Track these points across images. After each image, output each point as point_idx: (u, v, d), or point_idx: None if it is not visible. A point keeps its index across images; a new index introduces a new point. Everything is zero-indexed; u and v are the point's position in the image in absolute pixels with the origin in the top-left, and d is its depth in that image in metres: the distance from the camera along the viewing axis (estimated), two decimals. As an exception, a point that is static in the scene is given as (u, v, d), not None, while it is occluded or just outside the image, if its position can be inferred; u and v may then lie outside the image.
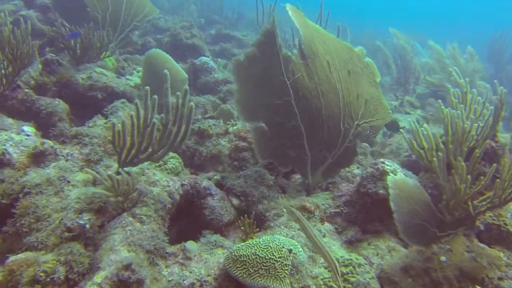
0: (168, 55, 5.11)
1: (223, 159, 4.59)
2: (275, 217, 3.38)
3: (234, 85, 3.52)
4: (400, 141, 6.11)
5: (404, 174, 3.57)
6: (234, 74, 3.51)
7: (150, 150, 3.08)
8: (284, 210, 3.41)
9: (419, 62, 9.88)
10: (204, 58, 7.13)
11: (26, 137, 3.52)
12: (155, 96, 2.96)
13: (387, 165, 3.46)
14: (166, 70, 2.86)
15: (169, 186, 3.28)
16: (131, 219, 2.84)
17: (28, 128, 3.72)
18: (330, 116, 3.54)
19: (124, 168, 3.13)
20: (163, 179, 3.33)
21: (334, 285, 2.78)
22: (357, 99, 3.55)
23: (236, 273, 2.56)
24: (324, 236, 3.26)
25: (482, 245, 3.15)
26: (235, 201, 3.55)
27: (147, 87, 2.90)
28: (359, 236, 3.42)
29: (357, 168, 4.43)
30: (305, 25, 3.39)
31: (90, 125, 3.85)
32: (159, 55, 5.10)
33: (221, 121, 5.24)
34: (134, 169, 3.22)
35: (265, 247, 2.65)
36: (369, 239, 3.40)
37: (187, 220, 3.52)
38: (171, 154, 3.99)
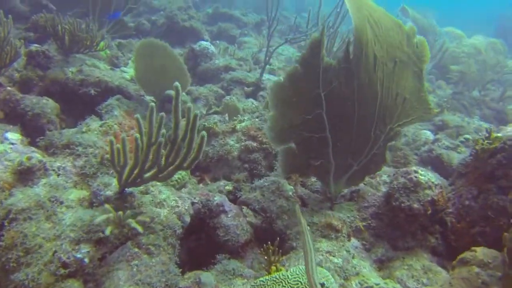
0: (166, 46, 4.61)
1: (232, 161, 4.19)
2: (298, 236, 3.01)
3: (270, 110, 3.06)
4: (416, 132, 5.72)
5: (437, 180, 3.20)
6: (271, 99, 3.04)
7: (155, 169, 2.67)
8: (308, 228, 3.03)
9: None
10: (203, 43, 6.62)
11: (11, 146, 3.09)
12: (163, 114, 2.54)
13: (421, 175, 3.08)
14: (176, 83, 2.42)
15: (178, 206, 2.88)
16: (136, 250, 2.45)
17: (13, 135, 3.28)
18: (361, 123, 3.12)
19: (126, 190, 2.72)
20: (171, 198, 2.92)
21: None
22: (395, 100, 3.12)
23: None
24: (353, 257, 2.89)
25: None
26: (252, 217, 3.16)
27: (152, 104, 2.48)
28: (390, 254, 3.06)
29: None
30: (359, 9, 2.91)
31: (83, 129, 3.40)
32: (155, 46, 4.60)
33: (227, 116, 4.82)
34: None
35: (295, 283, 2.27)
36: (401, 257, 3.04)
37: (198, 238, 3.14)
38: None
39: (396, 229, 3.14)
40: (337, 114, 3.04)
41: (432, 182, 3.09)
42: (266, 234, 3.11)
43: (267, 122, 3.06)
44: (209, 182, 4.03)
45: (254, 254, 3.02)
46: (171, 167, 2.69)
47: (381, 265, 3.02)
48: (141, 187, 2.93)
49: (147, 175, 2.71)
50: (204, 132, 2.56)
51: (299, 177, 3.42)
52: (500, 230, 2.95)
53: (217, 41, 8.30)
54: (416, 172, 3.12)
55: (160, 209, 2.82)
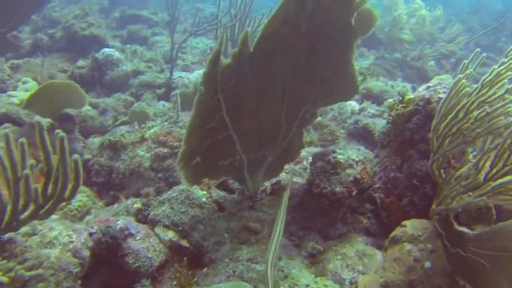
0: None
1: (145, 172, 3.82)
2: (216, 247, 2.69)
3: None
4: (341, 104, 5.53)
5: (358, 156, 2.97)
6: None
7: (32, 207, 2.25)
8: (226, 235, 2.72)
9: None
10: (107, 50, 6.11)
11: None
12: (23, 140, 2.12)
13: (340, 153, 2.83)
14: (37, 117, 2.00)
15: (72, 242, 2.47)
16: (18, 310, 2.04)
17: None
18: (267, 112, 2.81)
19: (2, 237, 2.29)
20: (64, 234, 2.50)
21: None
22: (309, 82, 2.82)
23: None
24: (280, 259, 2.61)
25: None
26: (164, 235, 2.81)
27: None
28: (322, 245, 2.81)
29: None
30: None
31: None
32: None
33: (136, 125, 4.42)
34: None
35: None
36: (334, 246, 2.80)
37: (110, 270, 2.76)
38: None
39: (324, 217, 2.89)
40: (238, 109, 2.71)
41: (353, 160, 2.85)
42: (185, 250, 2.79)
43: (177, 157, 2.67)
44: (123, 200, 3.67)
45: (173, 274, 2.67)
46: (50, 202, 2.29)
47: (313, 259, 2.76)
48: (27, 228, 2.50)
49: (24, 215, 2.29)
50: (76, 155, 2.17)
51: (210, 180, 3.09)
52: (427, 197, 2.77)
53: (127, 46, 7.80)
54: (333, 152, 2.87)
55: (50, 250, 2.40)
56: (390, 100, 5.11)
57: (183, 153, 2.62)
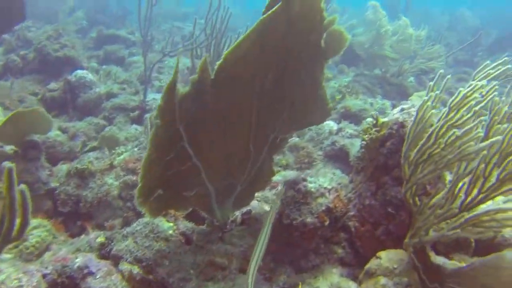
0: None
1: (113, 201, 3.66)
2: (182, 284, 2.53)
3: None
4: (319, 124, 5.43)
5: (331, 183, 2.86)
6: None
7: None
8: (191, 271, 2.56)
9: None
10: (80, 72, 5.95)
11: None
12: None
13: (310, 182, 2.71)
14: None
15: (21, 286, 2.29)
16: None
17: None
18: (233, 139, 2.68)
19: None
20: (13, 277, 2.31)
21: None
22: (277, 107, 2.69)
23: None
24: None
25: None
26: (127, 271, 2.64)
27: None
28: (294, 279, 2.66)
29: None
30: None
31: None
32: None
33: (106, 150, 4.25)
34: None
35: None
36: (307, 279, 2.66)
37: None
38: (34, 222, 2.99)
39: (296, 249, 2.76)
40: (202, 137, 2.57)
41: (325, 188, 2.74)
42: (150, 287, 2.62)
43: (135, 194, 2.51)
44: (90, 231, 3.51)
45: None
46: (-4, 243, 2.11)
47: (285, 295, 2.61)
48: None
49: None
50: (23, 186, 2.02)
51: (176, 211, 2.94)
52: (403, 226, 2.65)
53: (103, 66, 7.65)
54: (304, 180, 2.75)
55: (-4, 298, 2.23)
56: (368, 119, 5.03)
57: (140, 190, 2.47)
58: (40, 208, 3.68)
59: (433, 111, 2.21)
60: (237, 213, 3.13)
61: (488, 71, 2.56)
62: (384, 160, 2.80)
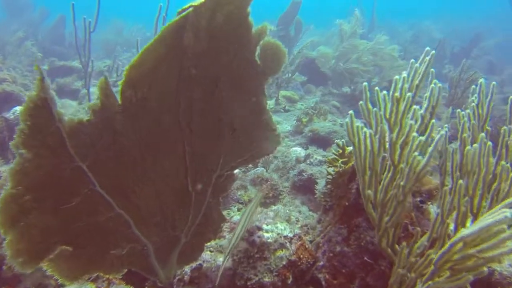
0: None
1: (42, 261, 3.06)
2: None
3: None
4: (286, 151, 4.97)
5: (293, 229, 2.37)
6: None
7: None
8: None
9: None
10: (19, 109, 5.36)
11: None
12: None
13: (266, 231, 2.21)
14: None
15: None
16: None
17: None
18: (166, 180, 2.17)
19: None
20: None
21: None
22: (215, 130, 2.20)
23: None
24: None
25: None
26: None
27: None
28: None
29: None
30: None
31: None
32: None
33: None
34: None
35: None
36: None
37: None
38: None
39: (255, 314, 2.23)
40: (122, 179, 2.05)
41: (285, 237, 2.24)
42: None
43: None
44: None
45: None
46: None
47: None
48: None
49: None
50: None
51: (105, 275, 2.39)
52: (383, 277, 2.17)
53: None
54: (259, 229, 2.24)
55: None
56: (334, 146, 4.60)
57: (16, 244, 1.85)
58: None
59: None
60: (187, 269, 2.59)
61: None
62: (355, 198, 2.33)
